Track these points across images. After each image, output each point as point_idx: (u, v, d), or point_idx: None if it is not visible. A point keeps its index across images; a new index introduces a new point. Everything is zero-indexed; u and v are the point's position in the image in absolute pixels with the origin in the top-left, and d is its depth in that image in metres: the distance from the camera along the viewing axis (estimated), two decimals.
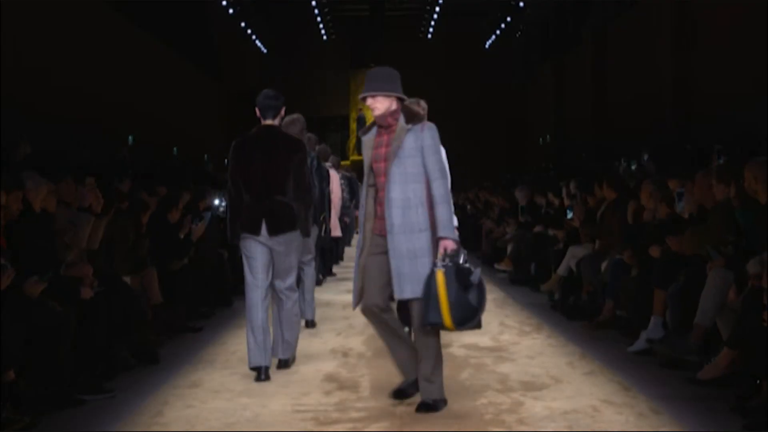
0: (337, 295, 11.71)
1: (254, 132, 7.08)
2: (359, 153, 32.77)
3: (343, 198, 13.13)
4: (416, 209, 5.65)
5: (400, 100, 5.85)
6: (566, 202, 11.57)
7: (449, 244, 5.54)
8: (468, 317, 5.49)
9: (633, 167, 12.00)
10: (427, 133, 5.73)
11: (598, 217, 9.81)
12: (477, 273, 5.55)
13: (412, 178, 5.67)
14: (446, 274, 5.46)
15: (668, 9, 17.13)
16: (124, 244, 8.25)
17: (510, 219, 14.34)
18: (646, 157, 12.14)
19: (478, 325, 5.61)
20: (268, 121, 7.09)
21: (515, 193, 14.54)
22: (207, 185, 13.30)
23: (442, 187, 5.64)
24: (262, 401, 6.09)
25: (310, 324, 9.09)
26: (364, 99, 5.87)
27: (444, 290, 5.44)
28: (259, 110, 7.11)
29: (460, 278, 5.47)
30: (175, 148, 22.71)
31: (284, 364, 7.07)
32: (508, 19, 27.87)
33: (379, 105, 5.80)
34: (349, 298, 11.77)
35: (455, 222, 7.59)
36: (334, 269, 14.65)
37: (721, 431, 5.34)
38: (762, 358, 5.55)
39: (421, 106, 7.45)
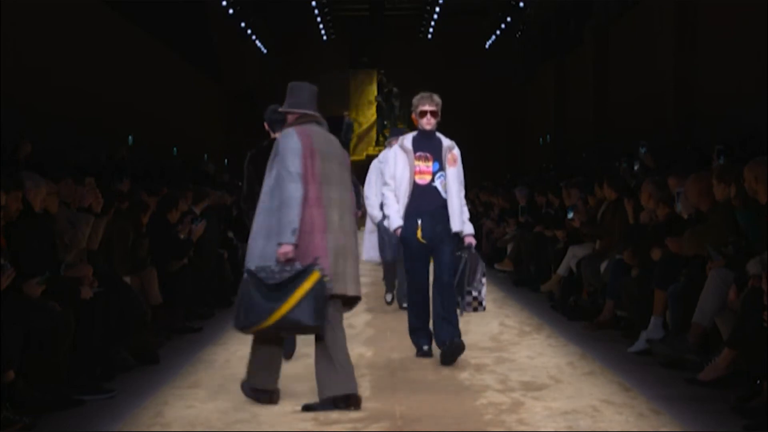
0: None
1: (266, 144, 7.45)
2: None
3: None
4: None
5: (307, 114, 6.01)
6: (567, 203, 11.55)
7: (280, 249, 5.56)
8: (253, 319, 5.57)
9: (636, 167, 11.90)
10: (278, 141, 5.88)
11: (598, 217, 9.80)
12: (276, 276, 5.55)
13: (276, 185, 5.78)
14: (249, 278, 5.60)
15: (670, 9, 17.11)
16: (124, 245, 8.25)
17: (510, 219, 14.33)
18: (643, 150, 12.06)
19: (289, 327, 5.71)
20: (277, 134, 7.36)
21: (515, 192, 14.53)
22: (207, 186, 13.29)
23: (279, 195, 5.64)
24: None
25: None
26: None
27: (239, 294, 5.63)
28: (268, 124, 7.49)
29: (256, 283, 5.57)
30: (174, 148, 22.71)
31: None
32: (508, 19, 27.86)
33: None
34: None
35: (469, 228, 7.49)
36: None
37: None
38: (762, 359, 5.54)
39: (435, 101, 7.44)
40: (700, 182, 7.33)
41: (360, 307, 10.68)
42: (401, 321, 9.30)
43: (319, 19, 30.91)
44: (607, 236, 9.42)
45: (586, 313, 9.41)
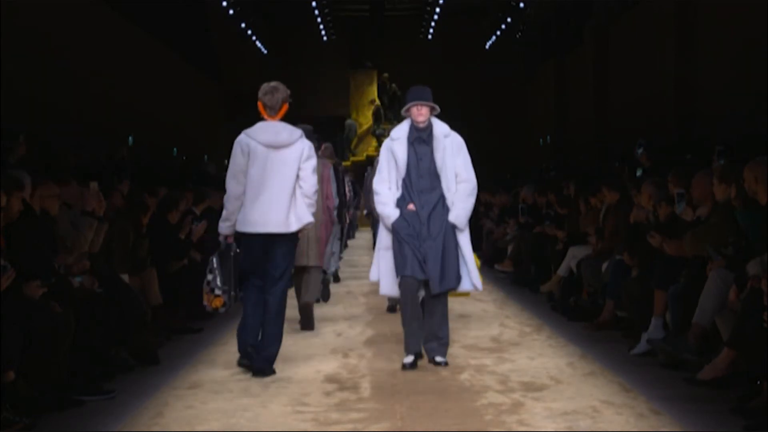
0: (336, 296, 11.71)
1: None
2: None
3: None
4: None
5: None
6: (561, 211, 11.53)
7: None
8: None
9: (639, 174, 11.79)
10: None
11: (600, 218, 9.80)
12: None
13: None
14: None
15: (670, 9, 17.11)
16: (124, 245, 8.24)
17: (510, 219, 14.32)
18: (640, 150, 12.01)
19: None
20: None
21: (523, 190, 14.49)
22: (207, 186, 13.27)
23: None
24: (263, 402, 6.09)
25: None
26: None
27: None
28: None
29: None
30: (174, 149, 22.70)
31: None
32: (509, 19, 27.84)
33: None
34: (349, 299, 11.81)
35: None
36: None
37: None
38: (762, 359, 5.54)
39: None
40: (706, 179, 7.32)
41: (360, 308, 10.72)
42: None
43: (319, 19, 30.86)
44: (609, 237, 9.41)
45: (587, 313, 9.41)
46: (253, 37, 28.86)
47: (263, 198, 6.85)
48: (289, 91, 7.07)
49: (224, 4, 24.52)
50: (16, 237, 6.13)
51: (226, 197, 6.99)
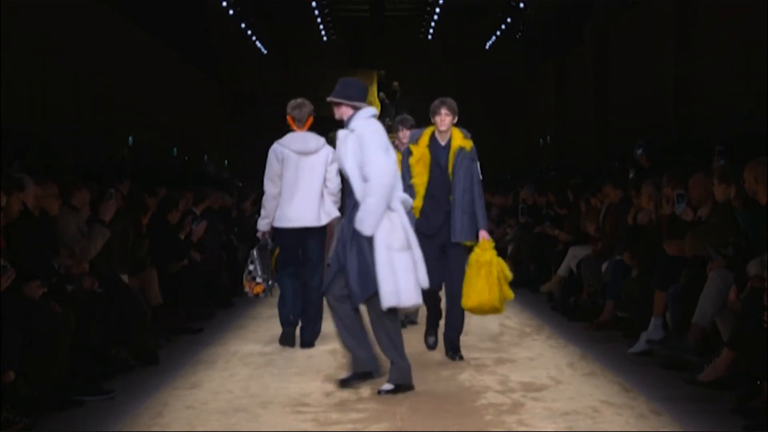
0: None
1: None
2: None
3: None
4: None
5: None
6: (561, 212, 11.52)
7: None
8: None
9: (632, 174, 11.80)
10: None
11: (601, 218, 9.79)
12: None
13: None
14: None
15: (670, 9, 17.11)
16: (124, 245, 8.24)
17: (510, 220, 14.31)
18: (639, 151, 12.01)
19: None
20: None
21: (522, 190, 14.48)
22: (207, 186, 13.28)
23: None
24: (262, 402, 6.09)
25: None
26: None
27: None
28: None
29: None
30: (174, 149, 22.69)
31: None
32: (509, 19, 27.83)
33: None
34: None
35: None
36: None
37: None
38: (762, 359, 5.54)
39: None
40: (704, 180, 7.32)
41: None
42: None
43: (319, 19, 30.83)
44: (610, 237, 9.41)
45: (587, 313, 9.41)
46: (253, 37, 28.84)
47: (297, 197, 7.87)
48: (312, 106, 8.04)
49: (224, 4, 24.51)
50: (16, 237, 6.13)
51: (264, 198, 7.99)
